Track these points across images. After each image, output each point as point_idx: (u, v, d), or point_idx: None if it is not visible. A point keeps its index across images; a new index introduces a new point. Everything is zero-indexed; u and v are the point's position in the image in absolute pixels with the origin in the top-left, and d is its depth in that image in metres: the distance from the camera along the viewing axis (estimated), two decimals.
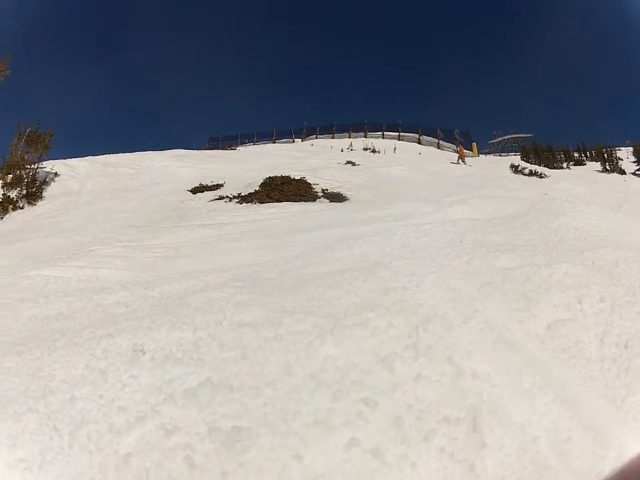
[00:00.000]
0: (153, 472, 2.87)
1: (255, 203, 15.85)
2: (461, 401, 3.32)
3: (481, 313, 4.72)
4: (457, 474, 2.76)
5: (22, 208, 21.23)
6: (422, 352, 3.85)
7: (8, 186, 22.31)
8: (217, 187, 19.76)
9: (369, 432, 2.98)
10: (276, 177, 18.39)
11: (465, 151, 37.69)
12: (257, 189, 17.44)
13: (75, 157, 30.59)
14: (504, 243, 7.15)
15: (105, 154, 32.55)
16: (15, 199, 21.47)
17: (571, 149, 46.22)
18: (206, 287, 6.18)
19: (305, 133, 56.09)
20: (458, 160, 34.82)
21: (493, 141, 59.71)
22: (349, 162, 28.80)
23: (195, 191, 19.46)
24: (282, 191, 16.70)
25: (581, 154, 45.90)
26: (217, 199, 17.01)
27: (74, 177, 25.58)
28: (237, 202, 16.28)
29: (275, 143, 53.88)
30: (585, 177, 26.31)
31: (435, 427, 3.03)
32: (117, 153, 33.14)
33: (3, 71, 24.94)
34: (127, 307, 5.92)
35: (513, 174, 27.15)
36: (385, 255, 6.69)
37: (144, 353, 4.27)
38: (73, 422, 3.51)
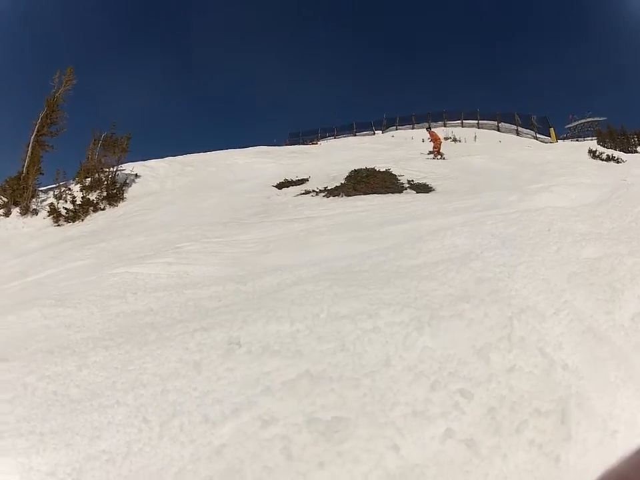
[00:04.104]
0: (248, 462, 2.89)
1: (342, 196, 16.00)
2: (551, 393, 3.28)
3: (570, 304, 4.64)
4: (543, 466, 2.74)
5: (103, 209, 22.23)
6: (516, 343, 3.82)
7: (87, 189, 23.46)
8: (302, 181, 20.05)
9: (464, 423, 2.96)
10: (361, 169, 18.47)
11: (438, 137, 29.43)
12: (343, 182, 17.62)
13: (154, 158, 31.66)
14: (589, 231, 6.95)
15: (185, 154, 33.52)
16: (95, 201, 22.40)
17: None
18: (300, 280, 6.22)
19: (384, 124, 56.09)
20: (434, 153, 27.88)
21: (569, 126, 58.39)
22: (431, 152, 28.67)
23: (280, 186, 19.82)
24: (368, 183, 16.80)
25: None
26: (303, 194, 17.27)
27: (155, 177, 26.57)
28: (323, 196, 16.47)
29: (355, 135, 54.04)
30: None
31: (527, 419, 3.01)
32: (196, 153, 34.04)
33: (69, 80, 26.39)
34: (220, 301, 6.05)
35: (592, 159, 26.79)
36: (476, 245, 6.61)
37: (240, 346, 4.34)
38: (165, 414, 3.59)
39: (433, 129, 32.05)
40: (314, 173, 21.45)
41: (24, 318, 6.97)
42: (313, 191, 17.26)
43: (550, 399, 3.19)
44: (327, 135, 55.98)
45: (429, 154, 28.39)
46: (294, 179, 20.41)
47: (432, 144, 28.92)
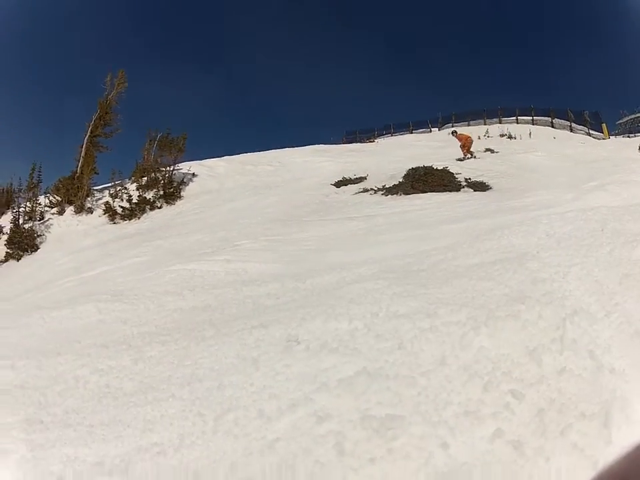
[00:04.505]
0: (300, 457, 2.94)
1: (400, 195, 16.04)
2: (597, 396, 3.20)
3: (621, 306, 4.48)
4: (582, 470, 2.67)
5: (160, 207, 22.82)
6: (567, 345, 3.77)
7: (143, 188, 24.30)
8: (360, 179, 20.05)
9: (513, 424, 2.95)
10: (418, 167, 18.31)
11: (468, 136, 26.72)
12: (401, 180, 17.54)
13: (212, 158, 32.10)
14: None
15: (242, 153, 33.86)
16: (152, 199, 22.99)
17: None
18: (359, 278, 6.26)
19: (440, 121, 55.49)
20: (464, 155, 25.37)
21: (620, 121, 56.79)
22: (487, 149, 28.68)
23: (338, 184, 19.93)
24: (426, 181, 16.71)
25: None
26: (362, 192, 17.33)
27: (212, 176, 26.99)
28: (381, 194, 16.52)
29: (412, 133, 53.93)
30: None
31: (572, 422, 2.96)
32: (254, 152, 34.35)
33: (121, 83, 27.45)
34: (278, 298, 6.13)
35: None
36: (532, 245, 6.55)
37: (298, 343, 4.40)
38: (220, 408, 3.65)
39: (459, 131, 28.60)
40: (372, 171, 21.42)
41: (78, 312, 7.21)
42: (372, 189, 17.30)
43: (595, 402, 3.14)
44: (384, 132, 55.68)
45: (458, 160, 24.47)
46: (352, 177, 20.43)
47: (462, 147, 26.13)
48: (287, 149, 35.63)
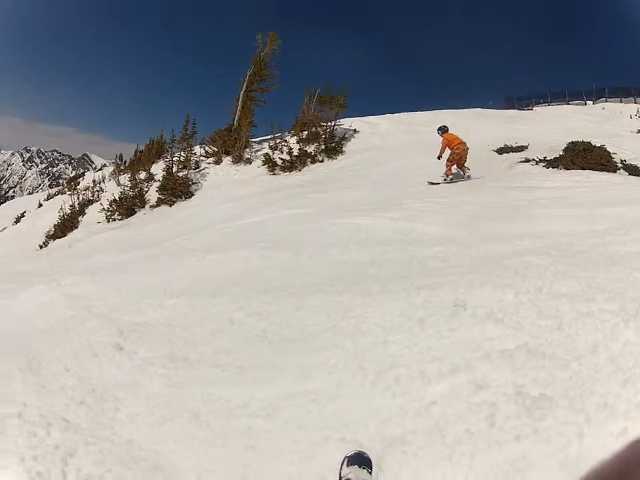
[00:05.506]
0: (452, 423, 3.05)
1: (561, 169, 15.52)
2: None
3: None
4: None
5: (321, 161, 23.16)
6: None
7: (304, 141, 24.78)
8: (521, 148, 19.39)
9: (638, 426, 2.87)
10: (577, 142, 17.45)
11: (461, 141, 15.16)
12: (561, 153, 16.88)
13: (373, 115, 32.10)
14: None
15: (400, 112, 33.68)
16: (313, 153, 23.52)
17: None
18: (523, 251, 6.21)
19: (594, 95, 52.84)
20: (447, 173, 14.95)
21: None
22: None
23: (500, 151, 19.50)
24: (585, 157, 16.03)
25: None
26: (523, 161, 16.91)
27: (374, 133, 27.15)
28: (543, 166, 16.07)
29: (568, 104, 51.52)
30: None
31: None
32: (412, 112, 34.14)
33: (273, 41, 28.13)
34: (444, 261, 6.18)
35: None
36: None
37: (465, 309, 4.47)
38: (382, 364, 3.80)
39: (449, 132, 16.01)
40: (532, 140, 20.45)
41: (237, 257, 7.55)
42: (533, 159, 16.84)
43: None
44: (542, 101, 53.84)
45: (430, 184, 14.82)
46: (513, 145, 19.82)
47: (447, 159, 15.30)
48: (445, 110, 35.21)
